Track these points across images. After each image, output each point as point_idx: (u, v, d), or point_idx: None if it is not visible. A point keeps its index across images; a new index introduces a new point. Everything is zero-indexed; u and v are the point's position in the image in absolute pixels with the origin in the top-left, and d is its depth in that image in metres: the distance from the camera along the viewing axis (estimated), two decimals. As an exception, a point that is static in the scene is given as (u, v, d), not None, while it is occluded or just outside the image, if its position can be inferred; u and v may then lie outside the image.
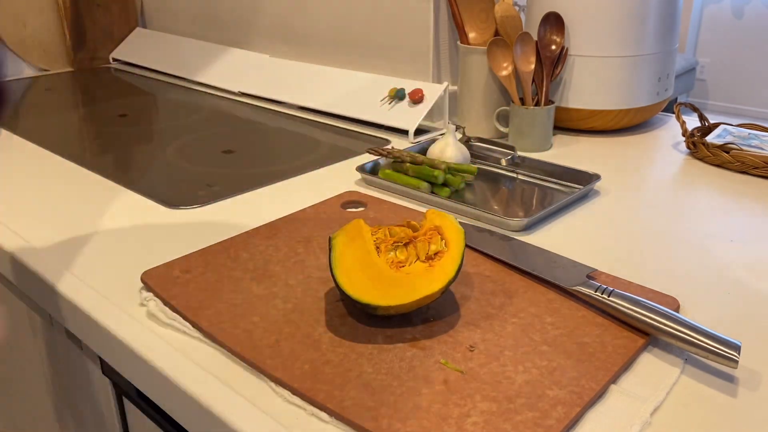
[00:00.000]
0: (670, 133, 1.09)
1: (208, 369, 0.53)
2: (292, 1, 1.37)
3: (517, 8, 1.04)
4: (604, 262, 0.65)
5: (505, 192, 0.87)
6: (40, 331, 0.83)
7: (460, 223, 0.61)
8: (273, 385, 0.50)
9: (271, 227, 0.74)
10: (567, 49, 1.02)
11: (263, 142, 1.09)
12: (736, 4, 4.14)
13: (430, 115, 1.11)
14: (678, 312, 0.57)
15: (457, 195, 0.85)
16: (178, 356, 0.54)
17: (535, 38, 1.01)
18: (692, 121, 1.06)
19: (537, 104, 1.01)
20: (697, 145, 0.96)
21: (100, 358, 0.70)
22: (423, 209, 0.81)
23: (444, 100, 1.11)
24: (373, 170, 0.91)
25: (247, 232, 0.73)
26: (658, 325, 0.52)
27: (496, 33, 1.03)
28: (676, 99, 3.79)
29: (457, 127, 0.94)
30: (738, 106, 4.28)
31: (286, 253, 0.68)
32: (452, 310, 0.58)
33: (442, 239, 0.58)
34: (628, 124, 1.07)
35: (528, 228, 0.75)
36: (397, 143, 1.05)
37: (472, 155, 0.95)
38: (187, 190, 0.89)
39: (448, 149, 0.90)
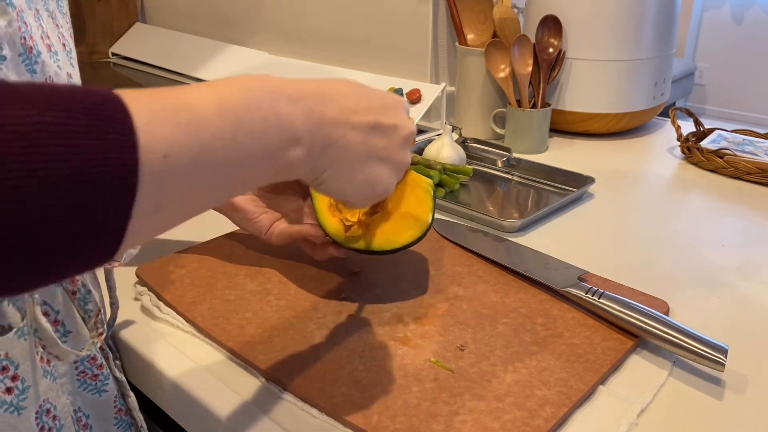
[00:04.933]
0: (666, 137, 1.09)
1: (200, 363, 0.53)
2: (292, 0, 1.37)
3: (515, 11, 1.04)
4: (595, 265, 0.66)
5: (500, 193, 0.88)
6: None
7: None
8: (264, 380, 0.51)
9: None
10: (564, 52, 1.03)
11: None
12: (736, 10, 4.15)
13: (427, 116, 1.12)
14: (668, 315, 0.58)
15: (452, 196, 0.86)
16: (172, 350, 0.55)
17: (533, 41, 1.02)
18: (688, 126, 1.06)
19: (533, 106, 1.01)
20: (691, 149, 0.96)
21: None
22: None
23: (441, 100, 1.12)
24: (369, 169, 0.91)
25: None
26: (647, 327, 0.53)
27: (495, 35, 1.04)
28: (674, 103, 3.80)
29: (454, 128, 0.95)
30: (736, 111, 4.29)
31: (280, 250, 0.68)
32: (444, 310, 0.58)
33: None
34: (624, 127, 1.08)
35: (522, 229, 0.76)
36: (394, 143, 1.05)
37: (468, 156, 0.95)
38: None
39: (444, 150, 0.90)
